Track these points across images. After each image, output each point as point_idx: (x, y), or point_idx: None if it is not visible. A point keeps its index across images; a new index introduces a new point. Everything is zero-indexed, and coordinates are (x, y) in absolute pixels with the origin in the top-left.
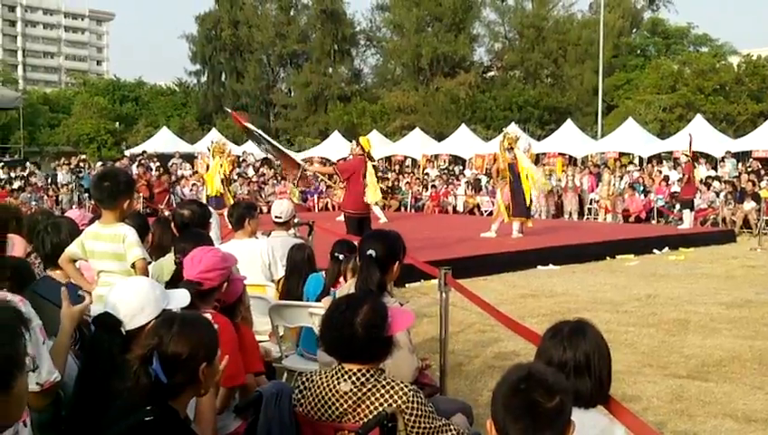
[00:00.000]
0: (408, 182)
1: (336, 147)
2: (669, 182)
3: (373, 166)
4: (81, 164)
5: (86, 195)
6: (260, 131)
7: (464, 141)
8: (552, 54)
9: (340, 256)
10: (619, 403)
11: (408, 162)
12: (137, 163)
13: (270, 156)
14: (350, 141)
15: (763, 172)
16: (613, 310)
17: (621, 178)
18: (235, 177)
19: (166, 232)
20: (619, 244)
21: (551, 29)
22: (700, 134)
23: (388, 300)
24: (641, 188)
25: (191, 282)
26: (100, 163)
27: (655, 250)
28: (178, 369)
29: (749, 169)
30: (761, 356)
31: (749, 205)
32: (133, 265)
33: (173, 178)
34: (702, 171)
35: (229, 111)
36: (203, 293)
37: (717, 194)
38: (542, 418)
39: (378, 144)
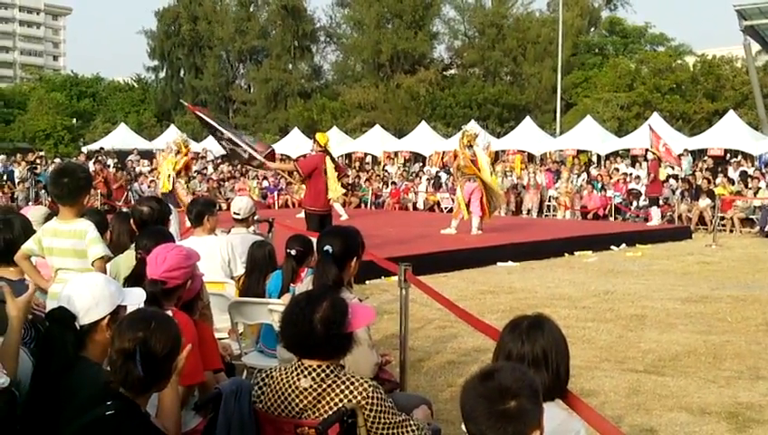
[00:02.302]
0: (368, 179)
1: (296, 143)
2: (627, 179)
3: (333, 161)
4: (38, 160)
5: (43, 191)
6: (215, 124)
7: (424, 139)
8: (512, 52)
9: (293, 252)
10: (577, 397)
11: (369, 159)
12: (94, 160)
13: (227, 150)
14: (310, 138)
15: (718, 170)
16: (571, 306)
17: (579, 175)
18: (194, 174)
19: (124, 229)
20: (578, 240)
21: (510, 27)
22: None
23: (348, 296)
24: (599, 185)
25: (156, 281)
26: (57, 159)
27: (612, 247)
28: (156, 364)
29: (704, 167)
30: (715, 350)
31: (704, 202)
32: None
33: (131, 174)
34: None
35: (186, 104)
36: (167, 291)
37: (673, 191)
38: (502, 420)
39: (338, 141)
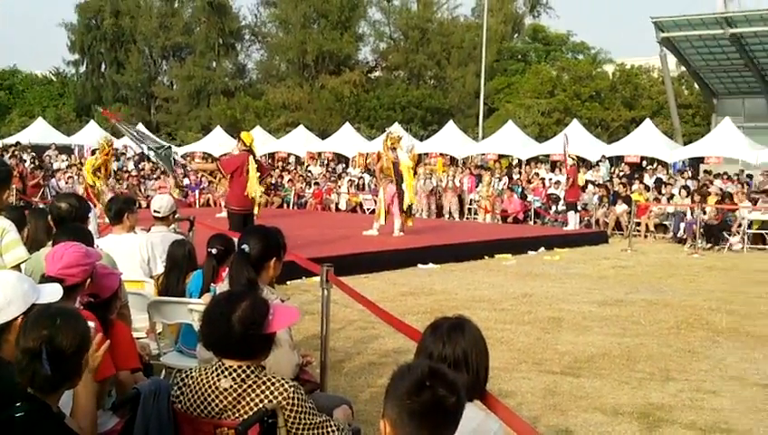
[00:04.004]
0: (290, 179)
1: (218, 142)
2: (546, 184)
3: (257, 161)
4: None
5: None
6: (134, 132)
7: (347, 140)
8: (436, 56)
9: (214, 251)
10: (494, 398)
11: (292, 159)
12: (10, 154)
13: (150, 153)
14: (233, 137)
15: (634, 176)
16: (491, 308)
17: (500, 179)
18: (115, 168)
19: (41, 225)
20: (497, 244)
21: (435, 31)
22: (576, 138)
23: (271, 297)
24: (519, 189)
25: (52, 278)
26: None
27: (531, 250)
28: (65, 362)
29: (621, 173)
30: (629, 353)
31: (621, 207)
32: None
33: (48, 170)
34: (586, 175)
35: (100, 109)
36: (66, 289)
37: (592, 196)
38: (447, 413)
39: (261, 140)
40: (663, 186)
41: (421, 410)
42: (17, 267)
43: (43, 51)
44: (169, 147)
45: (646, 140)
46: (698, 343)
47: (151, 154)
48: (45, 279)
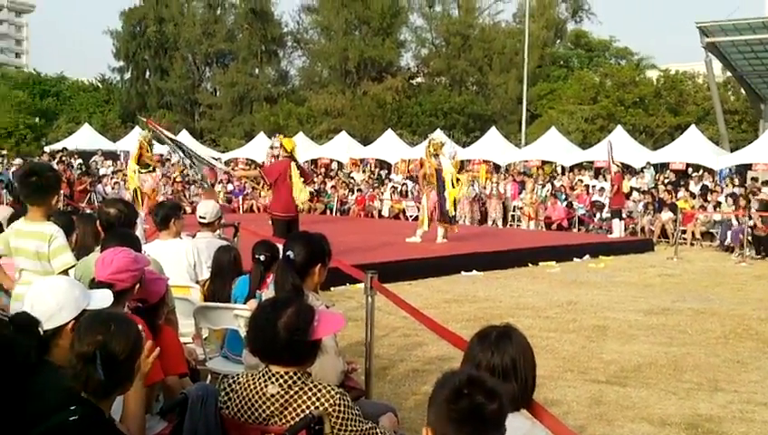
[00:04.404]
0: (333, 186)
1: (261, 148)
2: (590, 191)
3: (299, 167)
4: (0, 159)
5: (5, 190)
6: (172, 141)
7: (389, 146)
8: (478, 62)
9: (261, 258)
10: (540, 407)
11: (334, 165)
12: (57, 160)
13: (188, 165)
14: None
15: (680, 183)
16: (535, 316)
17: (544, 186)
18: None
19: (89, 230)
20: (541, 251)
21: (476, 37)
22: (620, 145)
23: (316, 303)
24: (563, 196)
25: (102, 283)
26: (18, 160)
27: (575, 258)
28: (117, 367)
29: (666, 181)
30: (676, 362)
31: (666, 215)
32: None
33: (95, 176)
34: (631, 182)
35: (144, 119)
36: (115, 294)
37: (636, 204)
38: (487, 421)
39: (304, 147)
40: (709, 193)
41: (459, 418)
42: (65, 272)
43: (90, 58)
44: (203, 159)
45: (691, 147)
46: (747, 353)
47: (187, 162)
48: (95, 284)
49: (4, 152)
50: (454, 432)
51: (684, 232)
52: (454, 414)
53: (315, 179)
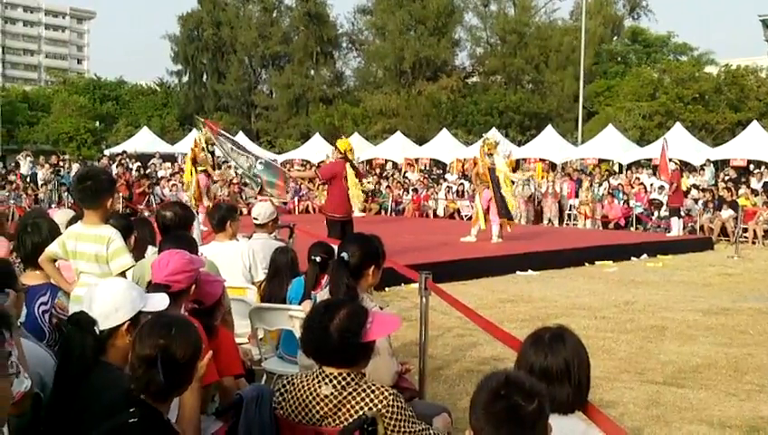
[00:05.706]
0: (388, 186)
1: (317, 149)
2: (648, 189)
3: (353, 168)
4: (62, 163)
5: (66, 193)
6: (230, 144)
7: (445, 146)
8: (534, 60)
9: (317, 259)
10: (596, 409)
11: (389, 166)
12: (116, 163)
13: (239, 170)
14: (331, 144)
15: (741, 180)
16: (591, 316)
17: (600, 184)
18: (216, 177)
19: (147, 233)
20: (598, 250)
21: (532, 35)
22: (679, 142)
23: (370, 305)
24: (620, 194)
25: (159, 285)
26: (78, 163)
27: (633, 257)
28: (178, 370)
29: (726, 178)
30: (736, 363)
31: (726, 213)
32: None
33: (153, 178)
34: (690, 180)
35: (202, 120)
36: (171, 295)
37: (696, 202)
38: (523, 422)
39: (359, 147)
40: None
41: (496, 420)
42: (123, 274)
43: (148, 62)
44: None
45: (753, 143)
46: None
47: (239, 171)
48: (152, 286)
49: (66, 156)
50: (492, 432)
51: (745, 230)
52: (491, 416)
53: (370, 179)
